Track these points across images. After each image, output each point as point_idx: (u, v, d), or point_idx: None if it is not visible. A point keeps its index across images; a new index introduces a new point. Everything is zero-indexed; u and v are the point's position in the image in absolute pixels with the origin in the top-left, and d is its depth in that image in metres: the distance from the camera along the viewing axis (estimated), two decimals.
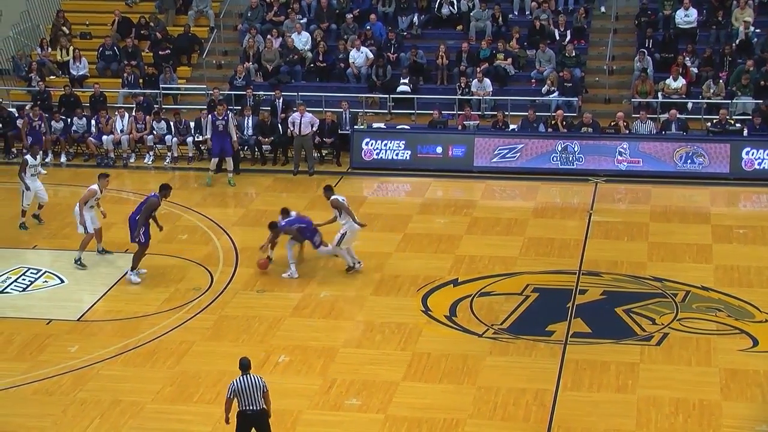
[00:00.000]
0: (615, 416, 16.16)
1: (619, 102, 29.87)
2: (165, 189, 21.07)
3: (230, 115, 26.69)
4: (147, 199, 20.88)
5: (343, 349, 18.29)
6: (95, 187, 21.59)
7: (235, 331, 19.03)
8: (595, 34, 32.19)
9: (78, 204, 21.47)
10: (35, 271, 21.08)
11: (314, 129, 27.25)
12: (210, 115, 26.74)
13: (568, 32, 31.26)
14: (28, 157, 23.79)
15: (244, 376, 14.37)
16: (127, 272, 20.90)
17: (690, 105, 28.85)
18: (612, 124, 27.67)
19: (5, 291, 20.38)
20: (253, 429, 14.46)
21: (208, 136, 26.76)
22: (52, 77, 31.84)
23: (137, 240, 20.68)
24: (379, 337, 18.72)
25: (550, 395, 16.70)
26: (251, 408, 14.31)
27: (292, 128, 27.18)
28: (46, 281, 20.94)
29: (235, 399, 14.37)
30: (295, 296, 20.29)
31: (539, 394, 16.72)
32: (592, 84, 30.73)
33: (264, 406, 14.41)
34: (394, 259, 21.93)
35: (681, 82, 28.99)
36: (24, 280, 20.94)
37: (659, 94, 29.04)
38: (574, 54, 30.16)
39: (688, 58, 29.72)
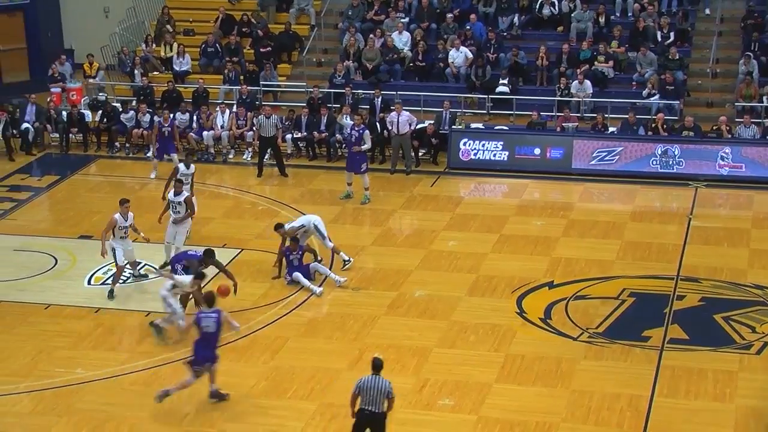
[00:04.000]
0: (712, 425, 15.91)
1: (722, 106, 29.34)
2: (209, 255, 19.44)
3: (367, 131, 25.39)
4: (195, 258, 19.44)
5: (436, 348, 18.28)
6: (116, 215, 20.26)
7: (329, 328, 19.14)
8: (699, 37, 31.67)
9: (102, 233, 20.33)
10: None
11: (412, 128, 27.26)
12: (349, 126, 26.16)
13: (671, 34, 30.81)
14: (181, 165, 23.07)
15: (372, 377, 14.32)
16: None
17: None
18: (714, 128, 27.22)
19: (106, 282, 20.76)
20: (368, 429, 14.42)
21: (343, 136, 26.17)
22: (155, 73, 32.37)
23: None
24: (473, 337, 18.68)
25: (645, 401, 16.50)
26: (369, 408, 14.26)
27: (390, 127, 27.22)
28: (145, 274, 21.29)
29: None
30: (389, 295, 20.33)
31: (634, 399, 16.53)
32: (695, 87, 30.25)
33: (384, 410, 14.31)
34: (489, 260, 21.87)
35: None
36: (124, 272, 21.26)
37: (764, 99, 28.46)
38: (677, 57, 29.71)
39: None
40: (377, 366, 14.40)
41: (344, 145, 27.10)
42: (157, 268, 21.05)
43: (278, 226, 21.38)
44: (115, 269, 20.59)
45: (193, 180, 23.13)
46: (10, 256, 22.50)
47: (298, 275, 20.62)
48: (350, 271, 21.34)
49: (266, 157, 27.48)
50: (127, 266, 20.69)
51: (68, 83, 31.74)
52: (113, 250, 20.30)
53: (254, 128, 27.88)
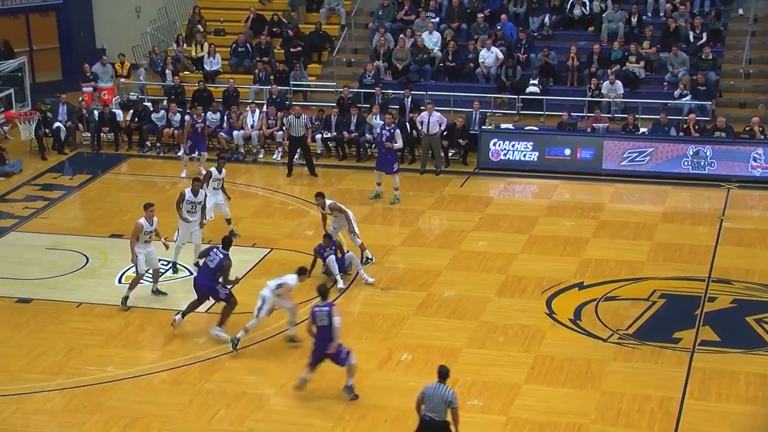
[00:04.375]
0: (744, 429, 15.82)
1: (755, 106, 29.16)
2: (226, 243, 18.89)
3: (398, 130, 25.39)
4: (221, 262, 18.56)
5: (465, 349, 18.27)
6: (141, 221, 19.89)
7: (358, 327, 19.14)
8: (732, 37, 31.48)
9: (131, 241, 19.88)
10: (165, 263, 21.43)
11: (442, 128, 27.23)
12: (379, 126, 26.06)
13: (704, 35, 30.63)
14: (213, 170, 22.65)
15: (437, 384, 14.29)
16: (213, 328, 18.81)
17: None
18: (747, 129, 27.03)
19: None
20: None
21: (373, 136, 26.38)
22: (186, 73, 32.49)
23: (223, 298, 18.78)
24: (503, 338, 18.65)
25: (676, 404, 16.42)
26: (430, 416, 14.22)
27: (420, 127, 27.21)
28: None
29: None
30: (419, 295, 20.32)
31: (664, 401, 16.46)
32: (727, 88, 30.08)
33: (446, 418, 14.23)
34: (519, 261, 21.82)
35: None
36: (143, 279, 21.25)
37: None
38: (710, 57, 29.54)
39: None
40: (443, 374, 14.36)
41: (374, 145, 27.10)
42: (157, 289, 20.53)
43: (320, 195, 21.37)
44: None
45: (223, 182, 23.07)
46: (43, 255, 22.65)
47: (331, 259, 20.60)
48: (380, 271, 21.36)
49: (296, 156, 27.53)
50: (148, 274, 20.31)
51: (100, 83, 31.88)
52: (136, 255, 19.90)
53: (284, 128, 27.93)
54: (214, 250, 18.83)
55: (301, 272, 18.36)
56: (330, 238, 20.89)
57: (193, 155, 27.08)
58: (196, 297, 18.91)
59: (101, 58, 32.55)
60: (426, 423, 14.29)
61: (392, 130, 25.21)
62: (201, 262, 19.12)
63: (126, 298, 20.00)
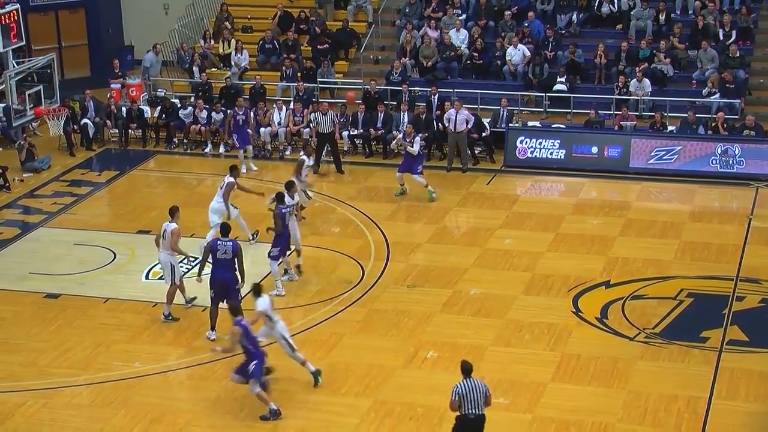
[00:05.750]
0: None
1: None
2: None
3: (417, 138, 25.13)
4: (234, 247, 18.49)
5: (491, 347, 18.25)
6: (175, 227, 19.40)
7: (384, 325, 19.16)
8: (762, 35, 31.26)
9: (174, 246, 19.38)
10: (193, 259, 21.47)
11: (469, 126, 27.19)
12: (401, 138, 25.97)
13: (733, 32, 30.44)
14: (304, 157, 23.12)
15: (467, 380, 14.21)
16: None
17: None
18: None
19: (164, 277, 20.84)
20: None
21: (399, 136, 26.51)
22: (213, 69, 32.56)
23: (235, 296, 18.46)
24: (529, 336, 18.61)
25: (704, 403, 16.35)
26: (473, 412, 14.11)
27: (447, 124, 27.18)
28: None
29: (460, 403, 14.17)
30: (445, 293, 20.31)
31: (692, 401, 16.39)
32: (756, 86, 29.88)
33: (484, 411, 14.20)
34: (545, 259, 21.77)
35: None
36: (182, 267, 21.35)
37: None
38: (738, 55, 29.36)
39: None
40: (467, 369, 14.28)
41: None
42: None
43: (291, 185, 21.26)
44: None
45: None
46: (71, 251, 22.78)
47: (272, 264, 20.29)
48: (406, 268, 21.38)
49: (323, 153, 27.53)
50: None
51: (152, 73, 31.97)
52: (171, 266, 19.44)
53: (311, 125, 27.96)
54: (219, 242, 18.44)
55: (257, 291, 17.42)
56: (283, 198, 20.47)
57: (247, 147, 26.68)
58: (211, 304, 18.54)
59: (154, 46, 32.59)
60: (471, 421, 14.12)
61: (411, 141, 25.06)
62: (210, 257, 18.68)
63: (169, 314, 19.49)
